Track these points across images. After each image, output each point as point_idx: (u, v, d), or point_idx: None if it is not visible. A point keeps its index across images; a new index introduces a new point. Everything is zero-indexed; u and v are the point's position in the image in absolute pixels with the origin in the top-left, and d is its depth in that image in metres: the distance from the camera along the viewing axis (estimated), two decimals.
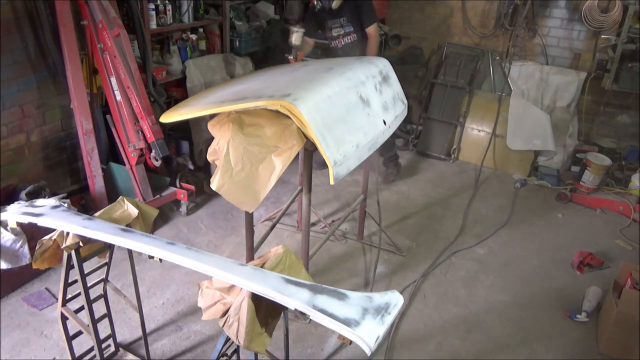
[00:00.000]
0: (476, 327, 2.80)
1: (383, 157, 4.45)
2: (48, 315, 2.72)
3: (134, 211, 2.04)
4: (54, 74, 3.20)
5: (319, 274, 3.13)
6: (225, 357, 1.93)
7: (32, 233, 2.45)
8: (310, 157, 2.32)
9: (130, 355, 2.47)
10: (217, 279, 1.61)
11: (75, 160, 3.56)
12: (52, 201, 2.08)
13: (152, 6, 3.65)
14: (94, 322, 2.10)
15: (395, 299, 1.47)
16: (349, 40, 3.98)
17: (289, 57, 3.56)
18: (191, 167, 4.03)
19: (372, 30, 3.86)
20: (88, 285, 2.05)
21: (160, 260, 1.68)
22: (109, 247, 2.13)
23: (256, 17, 4.78)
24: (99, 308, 2.22)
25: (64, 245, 1.89)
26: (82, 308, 2.11)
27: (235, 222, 3.69)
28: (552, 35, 4.87)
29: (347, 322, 1.35)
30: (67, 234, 1.89)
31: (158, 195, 3.54)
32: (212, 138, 2.21)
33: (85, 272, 2.02)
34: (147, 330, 2.55)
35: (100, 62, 3.21)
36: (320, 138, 2.05)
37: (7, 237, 2.44)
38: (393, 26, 5.49)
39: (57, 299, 2.55)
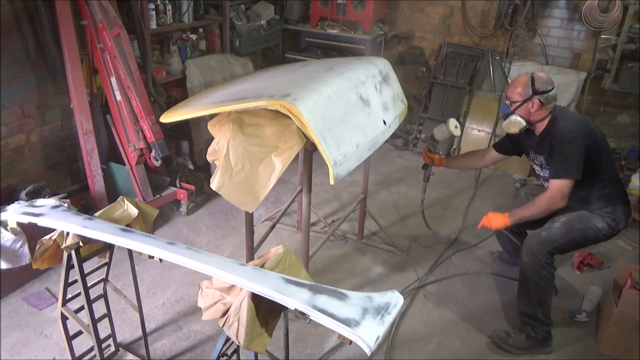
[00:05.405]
0: (476, 327, 2.80)
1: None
2: (48, 315, 2.72)
3: (134, 211, 2.04)
4: (54, 74, 3.19)
5: (319, 274, 3.12)
6: (225, 357, 1.93)
7: (32, 233, 2.45)
8: (310, 157, 2.32)
9: (130, 355, 2.47)
10: (217, 279, 1.61)
11: (75, 160, 3.55)
12: (52, 201, 2.08)
13: (152, 6, 3.64)
14: (94, 322, 2.10)
15: (395, 299, 1.47)
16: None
17: (427, 148, 2.94)
18: (191, 167, 4.03)
19: (556, 185, 2.43)
20: (88, 285, 2.05)
21: (160, 260, 1.68)
22: (109, 247, 2.13)
23: (256, 17, 4.78)
24: (99, 308, 2.22)
25: (64, 245, 1.89)
26: (82, 308, 2.11)
27: (235, 222, 3.69)
28: (552, 35, 4.87)
29: (347, 322, 1.35)
30: (67, 234, 1.89)
31: (158, 195, 3.54)
32: (212, 138, 2.21)
33: (85, 272, 2.02)
34: (147, 330, 2.55)
35: (100, 62, 3.20)
36: (320, 138, 2.05)
37: (7, 237, 2.44)
38: (393, 26, 5.50)
39: (57, 299, 2.55)
